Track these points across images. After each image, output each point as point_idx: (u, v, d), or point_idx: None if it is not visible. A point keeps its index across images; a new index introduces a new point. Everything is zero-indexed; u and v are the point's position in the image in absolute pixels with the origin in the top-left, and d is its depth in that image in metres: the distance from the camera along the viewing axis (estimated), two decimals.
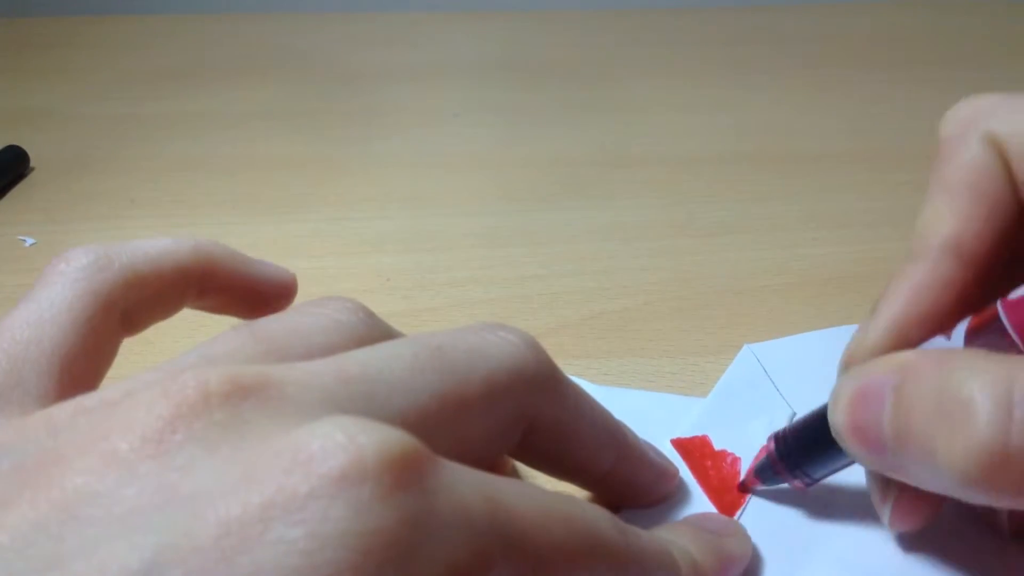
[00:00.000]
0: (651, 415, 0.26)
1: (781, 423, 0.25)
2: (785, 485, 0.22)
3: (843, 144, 0.48)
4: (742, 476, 0.24)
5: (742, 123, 0.52)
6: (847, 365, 0.21)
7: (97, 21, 0.76)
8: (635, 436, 0.22)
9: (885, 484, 0.20)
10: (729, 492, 0.23)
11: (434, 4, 0.80)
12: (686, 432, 0.25)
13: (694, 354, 0.30)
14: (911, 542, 0.21)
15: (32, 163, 0.48)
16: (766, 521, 0.22)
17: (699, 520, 0.22)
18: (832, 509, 0.23)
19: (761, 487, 0.23)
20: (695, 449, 0.25)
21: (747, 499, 0.23)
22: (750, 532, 0.21)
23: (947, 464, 0.16)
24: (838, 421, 0.19)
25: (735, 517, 0.23)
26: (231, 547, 0.11)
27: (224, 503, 0.12)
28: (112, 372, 0.29)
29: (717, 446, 0.25)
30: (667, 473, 0.23)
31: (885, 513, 0.20)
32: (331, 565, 0.11)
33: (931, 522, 0.20)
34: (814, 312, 0.33)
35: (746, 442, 0.25)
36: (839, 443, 0.19)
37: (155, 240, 0.21)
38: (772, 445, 0.22)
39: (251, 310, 0.22)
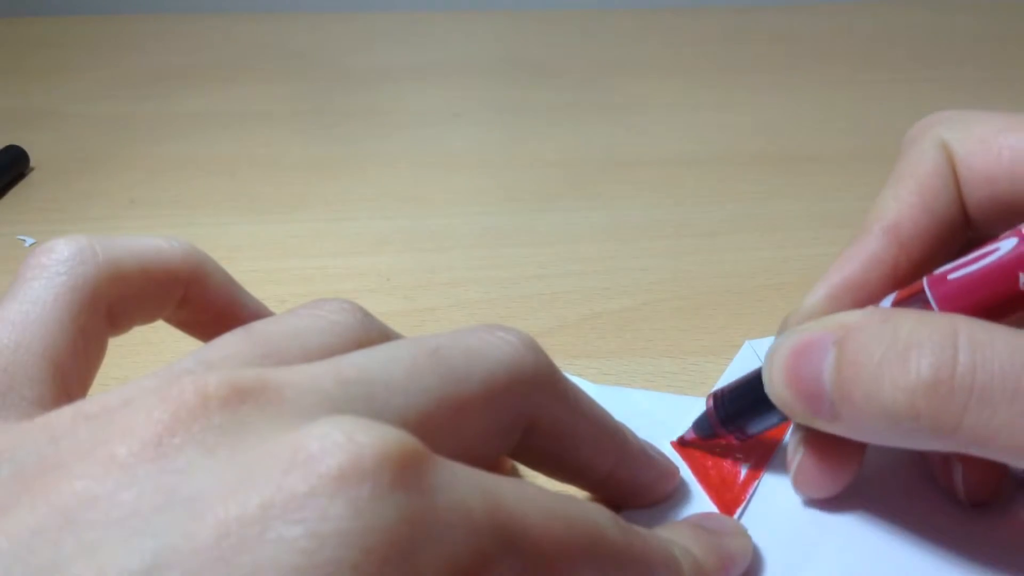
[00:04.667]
0: (651, 415, 0.26)
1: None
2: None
3: (844, 144, 0.48)
4: (742, 476, 0.24)
5: (742, 123, 0.52)
6: (784, 328, 0.23)
7: (97, 21, 0.76)
8: (635, 436, 0.22)
9: (798, 444, 0.22)
10: (730, 492, 0.23)
11: (434, 4, 0.80)
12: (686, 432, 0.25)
13: (694, 354, 0.30)
14: (911, 542, 0.21)
15: (32, 163, 0.48)
16: (766, 521, 0.22)
17: (700, 520, 0.22)
18: (833, 509, 0.23)
19: (699, 442, 0.25)
20: (695, 449, 0.25)
21: (748, 499, 0.23)
22: (750, 532, 0.21)
23: (892, 400, 0.18)
24: (775, 377, 0.20)
25: (735, 517, 0.23)
26: (230, 547, 0.11)
27: (223, 504, 0.12)
28: (113, 372, 0.29)
29: None
30: (667, 473, 0.23)
31: (791, 472, 0.22)
32: (331, 564, 0.11)
33: (834, 491, 0.22)
34: None
35: None
36: (772, 398, 0.21)
37: (145, 237, 0.21)
38: (711, 403, 0.24)
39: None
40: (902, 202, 0.22)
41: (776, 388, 0.20)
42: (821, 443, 0.21)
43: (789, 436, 0.23)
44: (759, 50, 0.66)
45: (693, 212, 0.41)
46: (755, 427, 0.23)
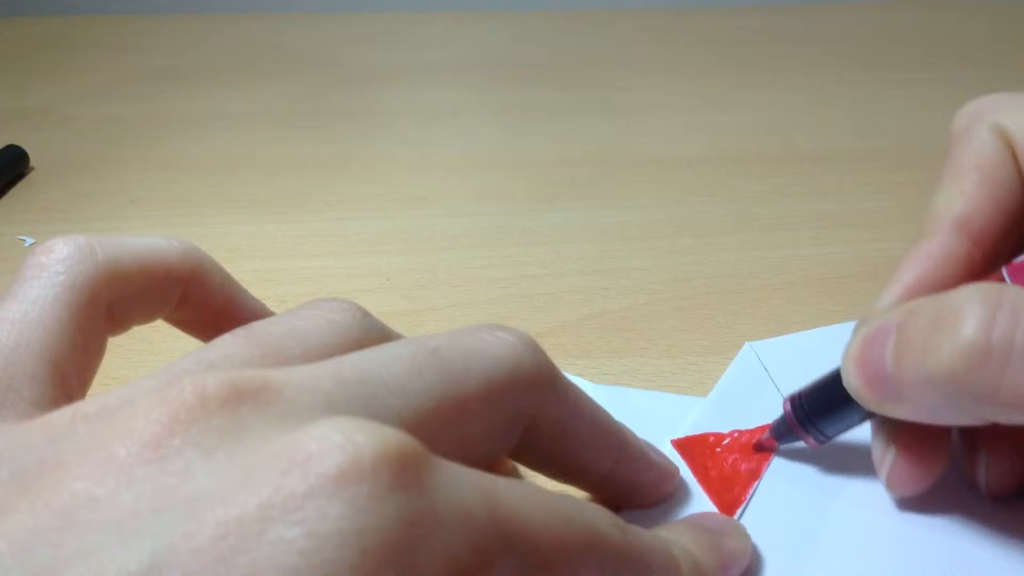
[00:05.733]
0: (651, 415, 0.26)
1: None
2: (801, 444, 0.24)
3: (843, 144, 0.48)
4: (742, 477, 0.24)
5: (742, 123, 0.52)
6: (860, 326, 0.22)
7: (97, 21, 0.76)
8: (635, 436, 0.22)
9: (886, 443, 0.22)
10: (729, 492, 0.23)
11: (434, 4, 0.80)
12: (686, 432, 0.25)
13: (694, 354, 0.30)
14: (911, 542, 0.21)
15: (32, 163, 0.48)
16: (766, 521, 0.22)
17: (699, 519, 0.22)
18: (832, 509, 0.23)
19: (778, 447, 0.24)
20: (695, 449, 0.25)
21: (747, 498, 0.23)
22: (750, 532, 0.21)
23: (935, 365, 0.18)
24: (848, 367, 0.21)
25: (735, 516, 0.23)
26: (229, 548, 0.11)
27: (222, 504, 0.12)
28: (114, 372, 0.29)
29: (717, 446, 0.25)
30: (667, 473, 0.23)
31: (883, 472, 0.22)
32: (330, 564, 0.11)
33: (926, 486, 0.21)
34: (814, 312, 0.33)
35: None
36: (848, 389, 0.21)
37: (144, 237, 0.21)
38: (788, 405, 0.23)
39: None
40: (969, 195, 0.22)
41: (849, 377, 0.21)
42: (909, 439, 0.21)
43: (872, 437, 0.22)
44: (759, 50, 0.66)
45: (693, 212, 0.41)
46: (834, 428, 0.23)
